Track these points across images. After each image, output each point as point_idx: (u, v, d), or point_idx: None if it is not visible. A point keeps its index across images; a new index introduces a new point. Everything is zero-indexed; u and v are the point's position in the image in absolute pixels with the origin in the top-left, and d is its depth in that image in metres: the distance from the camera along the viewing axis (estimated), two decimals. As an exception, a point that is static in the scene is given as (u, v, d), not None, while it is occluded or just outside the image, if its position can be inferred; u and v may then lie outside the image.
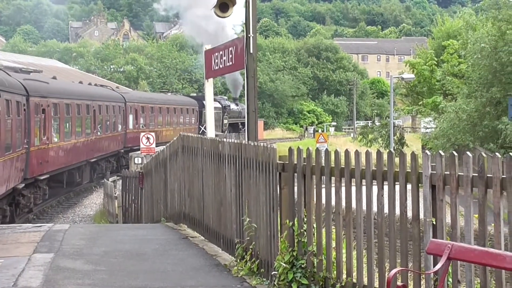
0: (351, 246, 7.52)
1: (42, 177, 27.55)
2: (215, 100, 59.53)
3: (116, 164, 42.49)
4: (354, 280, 7.40)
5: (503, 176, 5.79)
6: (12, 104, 22.86)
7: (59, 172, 30.77)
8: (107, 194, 28.12)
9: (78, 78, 55.47)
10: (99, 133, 37.58)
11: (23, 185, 24.98)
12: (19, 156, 24.04)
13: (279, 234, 8.40)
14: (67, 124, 31.89)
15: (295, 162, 8.19)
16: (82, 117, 34.34)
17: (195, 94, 72.88)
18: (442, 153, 6.41)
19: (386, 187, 6.96)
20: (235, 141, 10.09)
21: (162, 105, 52.00)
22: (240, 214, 9.60)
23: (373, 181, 7.13)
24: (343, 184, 7.57)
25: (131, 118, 44.90)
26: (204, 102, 59.53)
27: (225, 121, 60.49)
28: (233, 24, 71.03)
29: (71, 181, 33.40)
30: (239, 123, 65.11)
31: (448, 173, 6.29)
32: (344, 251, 7.67)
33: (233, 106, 66.23)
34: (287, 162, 8.30)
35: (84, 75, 76.31)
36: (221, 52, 13.70)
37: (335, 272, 7.68)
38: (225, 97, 66.93)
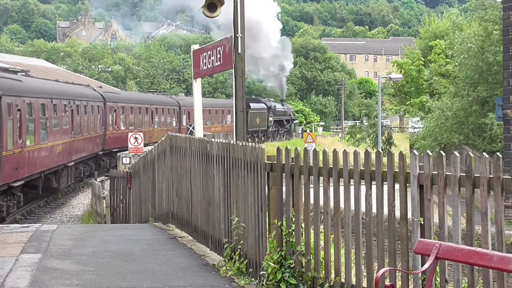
0: (339, 246, 7.53)
1: (114, 149, 43.67)
2: (261, 101, 73.12)
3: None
4: (343, 280, 7.40)
5: (490, 176, 5.81)
6: (95, 107, 40.18)
7: (125, 149, 44.68)
8: (95, 194, 28.07)
9: (66, 78, 56.50)
10: (155, 126, 52.85)
11: (102, 152, 42.59)
12: (99, 135, 41.63)
13: (267, 234, 8.38)
14: (131, 119, 48.26)
15: (283, 162, 8.19)
16: (142, 115, 50.59)
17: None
18: (430, 153, 6.42)
19: (374, 187, 6.97)
20: (223, 141, 10.06)
21: (211, 108, 66.17)
22: (229, 214, 9.57)
23: (361, 181, 7.14)
24: (331, 184, 7.58)
25: (184, 118, 60.26)
26: (250, 103, 65.64)
27: (270, 119, 73.75)
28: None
29: None
30: (284, 120, 79.58)
31: (436, 173, 6.31)
32: (332, 251, 7.67)
33: (279, 106, 79.29)
34: (275, 162, 8.29)
35: (71, 75, 76.12)
36: (209, 52, 13.69)
37: (323, 271, 7.68)
38: (272, 99, 79.79)
